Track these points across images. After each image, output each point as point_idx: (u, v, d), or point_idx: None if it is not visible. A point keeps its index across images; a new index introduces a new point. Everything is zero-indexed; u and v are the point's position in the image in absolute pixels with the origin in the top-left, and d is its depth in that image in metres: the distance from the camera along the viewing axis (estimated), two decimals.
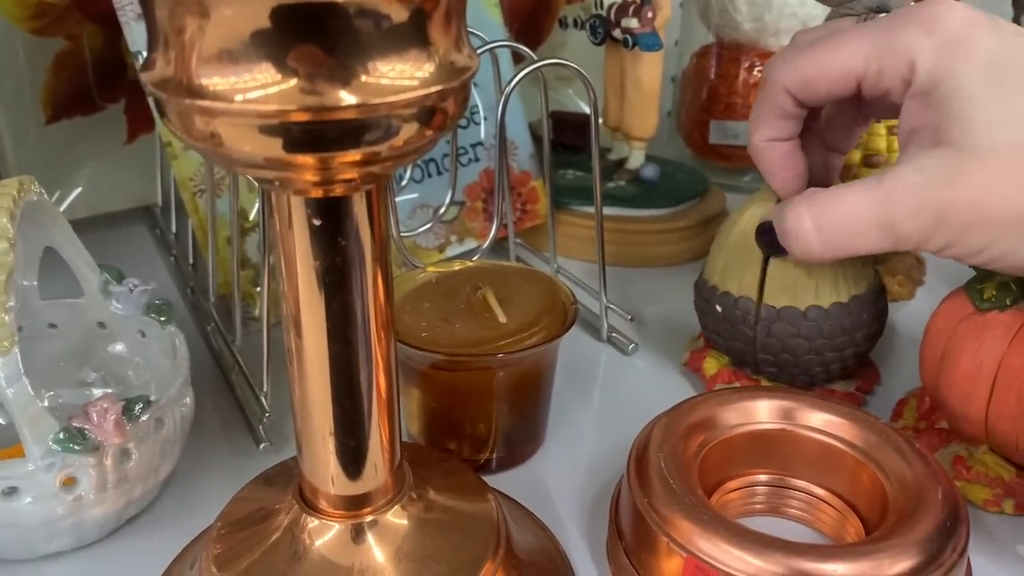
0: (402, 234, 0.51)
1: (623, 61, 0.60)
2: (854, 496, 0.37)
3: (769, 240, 0.39)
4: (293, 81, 0.22)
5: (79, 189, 0.63)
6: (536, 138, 0.68)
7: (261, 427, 0.42)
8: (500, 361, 0.38)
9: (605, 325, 0.52)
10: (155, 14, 0.22)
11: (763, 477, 0.38)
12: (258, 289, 0.50)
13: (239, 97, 0.22)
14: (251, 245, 0.51)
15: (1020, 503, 0.39)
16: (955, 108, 0.32)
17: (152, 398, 0.36)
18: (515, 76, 0.46)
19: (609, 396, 0.48)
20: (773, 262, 0.42)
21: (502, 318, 0.39)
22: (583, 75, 0.46)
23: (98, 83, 0.61)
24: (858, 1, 0.40)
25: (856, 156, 0.54)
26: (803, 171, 0.41)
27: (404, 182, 0.53)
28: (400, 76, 0.23)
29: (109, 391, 0.43)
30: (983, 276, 0.40)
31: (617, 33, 0.58)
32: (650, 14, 0.57)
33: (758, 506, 0.38)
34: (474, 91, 0.58)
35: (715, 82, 0.71)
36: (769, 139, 0.40)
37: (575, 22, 0.63)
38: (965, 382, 0.39)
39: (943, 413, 0.41)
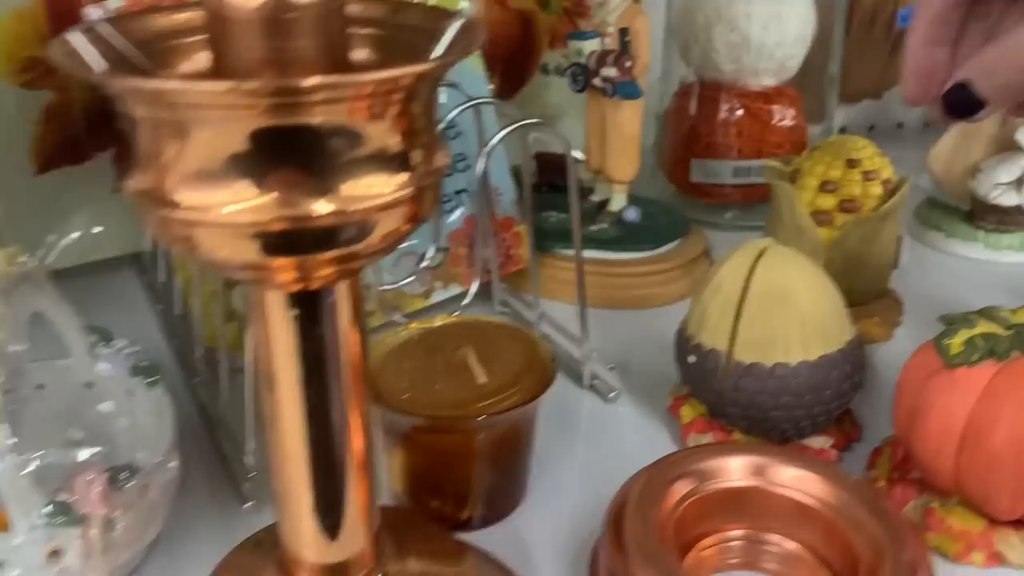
0: (387, 286, 0.52)
1: (604, 107, 0.61)
2: (826, 551, 0.38)
3: (959, 98, 0.38)
4: (269, 197, 0.22)
5: (69, 238, 0.63)
6: (520, 184, 0.69)
7: (246, 485, 0.43)
8: (480, 424, 0.38)
9: (587, 372, 0.53)
10: (135, 134, 0.23)
11: (738, 532, 0.39)
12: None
13: (215, 212, 0.22)
14: (237, 297, 0.52)
15: (990, 556, 0.40)
16: None
17: (137, 466, 0.37)
18: (496, 135, 0.47)
19: (591, 445, 0.49)
20: (744, 317, 0.43)
21: (481, 379, 0.40)
22: (564, 139, 0.47)
23: (87, 133, 0.62)
24: None
25: (831, 202, 0.55)
26: (939, 86, 0.40)
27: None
28: (376, 185, 0.24)
29: (97, 450, 0.44)
30: (951, 331, 0.41)
31: (597, 81, 0.59)
32: (628, 63, 0.58)
33: (733, 561, 0.39)
34: (457, 140, 0.59)
35: (696, 121, 0.72)
36: (925, 42, 0.40)
37: (556, 69, 0.64)
38: (935, 437, 0.39)
39: (915, 465, 0.42)
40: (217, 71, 0.24)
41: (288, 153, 0.23)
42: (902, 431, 0.42)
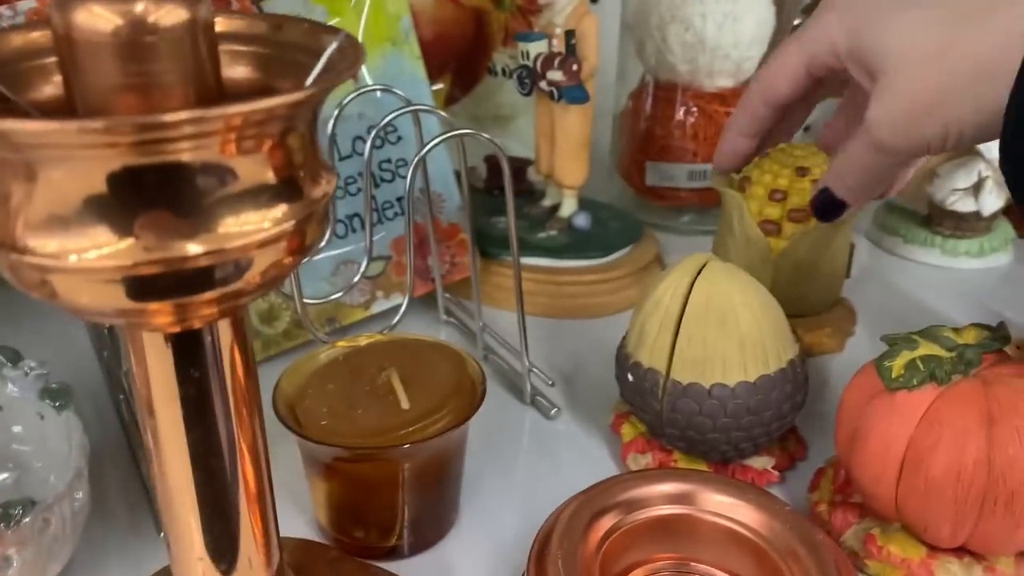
0: (315, 301, 0.50)
1: (552, 111, 0.60)
2: None
3: (824, 201, 0.44)
4: (133, 240, 0.21)
5: None
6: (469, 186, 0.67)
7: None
8: (404, 452, 0.37)
9: (528, 388, 0.51)
10: None
11: (668, 562, 0.38)
12: None
13: (73, 258, 0.20)
14: None
15: None
16: (874, 49, 0.39)
17: (35, 499, 0.35)
18: (428, 144, 0.45)
19: (529, 464, 0.47)
20: (682, 336, 0.41)
21: (405, 404, 0.38)
22: (497, 144, 0.45)
23: None
24: None
25: (779, 211, 0.53)
26: (742, 163, 0.49)
27: (323, 242, 0.52)
28: (252, 222, 0.22)
29: (6, 476, 0.42)
30: (892, 352, 0.39)
31: (543, 85, 0.58)
32: (575, 67, 0.56)
33: None
34: (398, 144, 0.57)
35: (650, 123, 0.71)
36: (736, 132, 0.48)
37: (503, 71, 0.62)
38: (875, 462, 0.38)
39: (856, 488, 0.41)
40: (70, 100, 0.22)
41: (152, 194, 0.21)
42: (843, 454, 0.40)
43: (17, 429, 0.42)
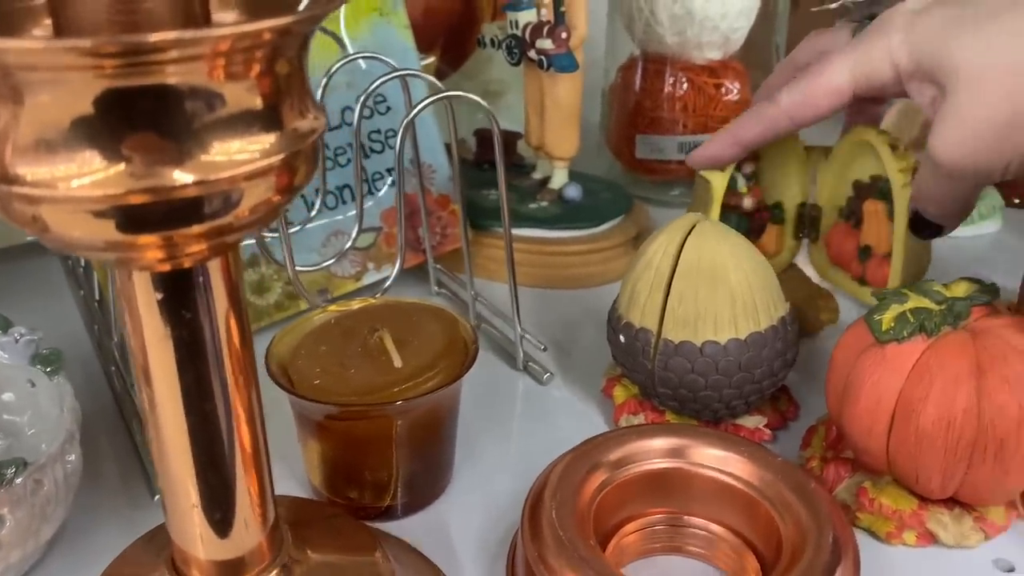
0: (307, 268, 0.50)
1: (541, 82, 0.60)
2: (751, 533, 0.37)
3: (919, 222, 0.43)
4: (123, 166, 0.21)
5: None
6: (460, 159, 0.67)
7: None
8: (396, 409, 0.37)
9: (520, 354, 0.51)
10: None
11: (662, 516, 0.38)
12: None
13: (62, 185, 0.20)
14: None
15: (921, 534, 0.39)
16: (941, 65, 0.37)
17: (27, 460, 0.35)
18: (417, 105, 0.45)
19: (523, 428, 0.47)
20: (673, 295, 0.42)
21: (397, 362, 0.38)
22: (485, 107, 0.45)
23: None
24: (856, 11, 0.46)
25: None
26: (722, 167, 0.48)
27: (314, 212, 0.52)
28: (240, 151, 0.22)
29: None
30: (882, 306, 0.40)
31: (532, 54, 0.58)
32: (564, 35, 0.56)
33: (657, 545, 0.38)
34: (387, 115, 0.57)
35: (640, 96, 0.71)
36: (737, 143, 0.46)
37: (492, 42, 0.62)
38: (866, 416, 0.38)
39: (847, 444, 0.41)
40: (59, 35, 0.22)
41: (140, 117, 0.21)
42: (834, 409, 0.41)
43: (8, 397, 0.42)
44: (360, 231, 0.50)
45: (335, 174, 0.55)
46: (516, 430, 0.47)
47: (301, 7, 0.23)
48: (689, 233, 0.43)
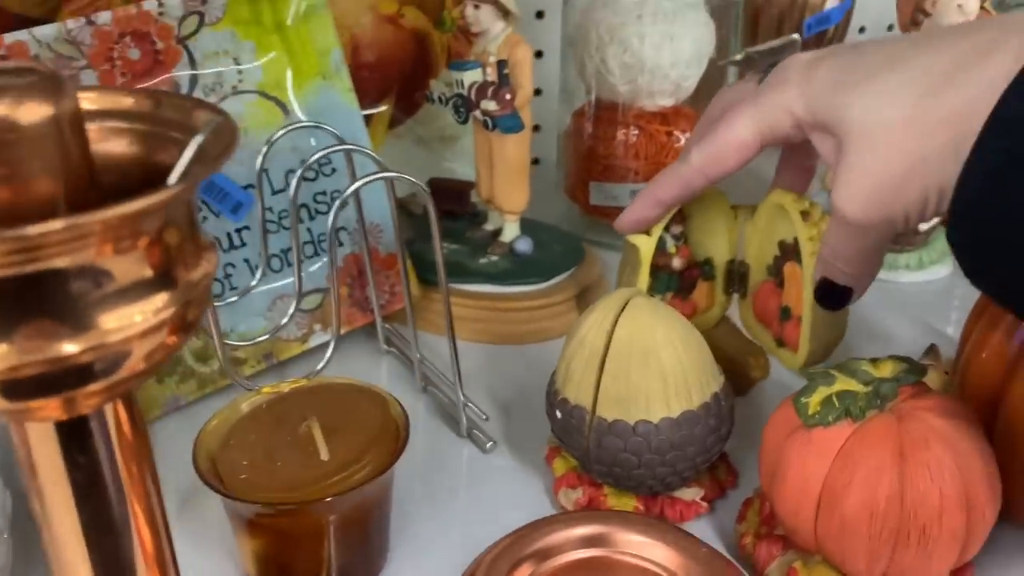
0: (240, 343, 0.50)
1: (489, 138, 0.60)
2: None
3: (826, 292, 0.43)
4: (11, 344, 0.20)
5: None
6: (408, 214, 0.67)
7: None
8: (325, 506, 0.37)
9: (464, 420, 0.51)
10: None
11: None
12: None
13: None
14: None
15: None
16: (835, 121, 0.38)
17: None
18: (348, 189, 0.45)
19: (464, 499, 0.48)
20: (607, 373, 0.42)
21: (324, 455, 0.38)
22: (419, 185, 0.45)
23: None
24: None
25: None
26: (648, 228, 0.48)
27: (255, 280, 0.52)
28: (133, 315, 0.22)
29: None
30: (810, 388, 0.40)
31: (478, 114, 0.58)
32: (508, 96, 0.56)
33: None
34: (332, 176, 0.57)
35: (593, 143, 0.71)
36: (657, 203, 0.46)
37: (440, 99, 0.62)
38: (793, 497, 0.39)
39: (778, 521, 0.42)
40: None
41: (25, 302, 0.21)
42: (766, 487, 0.41)
43: None
44: (300, 298, 0.50)
45: (279, 237, 0.55)
46: (457, 502, 0.47)
47: (177, 174, 0.23)
48: (623, 309, 0.43)
